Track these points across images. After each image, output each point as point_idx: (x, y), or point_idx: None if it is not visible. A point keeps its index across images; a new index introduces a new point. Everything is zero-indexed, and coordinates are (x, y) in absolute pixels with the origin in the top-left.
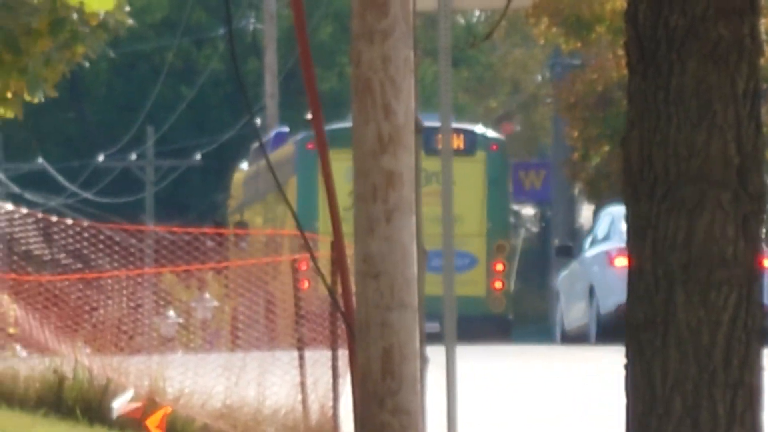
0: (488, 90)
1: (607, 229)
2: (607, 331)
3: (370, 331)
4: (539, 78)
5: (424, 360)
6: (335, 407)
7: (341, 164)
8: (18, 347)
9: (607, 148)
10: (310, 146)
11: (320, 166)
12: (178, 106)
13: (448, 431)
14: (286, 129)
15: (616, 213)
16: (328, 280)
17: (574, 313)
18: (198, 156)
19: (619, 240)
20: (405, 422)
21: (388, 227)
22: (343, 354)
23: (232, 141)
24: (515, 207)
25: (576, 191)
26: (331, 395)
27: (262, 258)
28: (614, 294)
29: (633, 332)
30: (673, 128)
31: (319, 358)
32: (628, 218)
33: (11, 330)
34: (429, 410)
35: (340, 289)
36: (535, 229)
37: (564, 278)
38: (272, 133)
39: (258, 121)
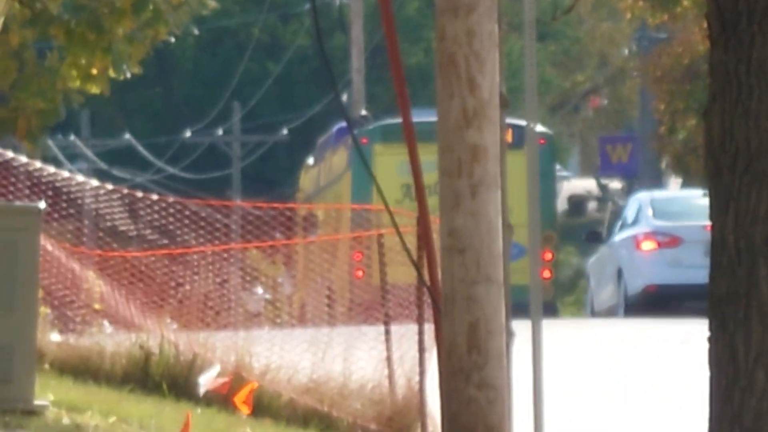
0: (575, 64)
1: (635, 214)
2: (633, 310)
3: (455, 306)
4: (626, 51)
5: (510, 334)
6: (421, 382)
7: (393, 158)
8: (104, 323)
9: (693, 121)
10: (364, 141)
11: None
12: (265, 81)
13: (534, 406)
14: (345, 124)
15: (643, 199)
16: (414, 255)
17: (603, 294)
18: (284, 131)
19: (646, 225)
20: (491, 397)
21: (474, 202)
22: (429, 328)
23: (318, 116)
24: (603, 180)
25: (663, 165)
26: (417, 370)
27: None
28: (641, 276)
29: (715, 305)
30: (754, 100)
31: (405, 333)
32: (710, 191)
33: (97, 306)
34: (515, 384)
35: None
36: (622, 203)
37: (594, 262)
38: (334, 129)
39: (345, 96)
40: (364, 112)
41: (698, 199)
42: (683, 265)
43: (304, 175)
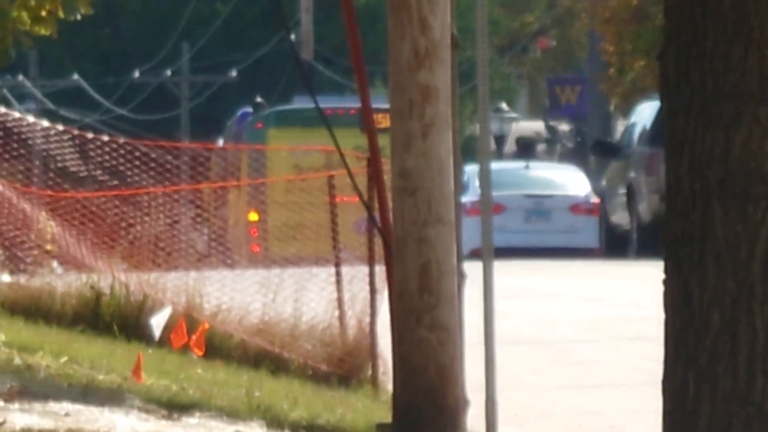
0: (524, 5)
1: (465, 184)
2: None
3: (407, 247)
4: None
5: (461, 276)
6: (372, 323)
7: (286, 141)
8: (55, 264)
9: (642, 62)
10: (259, 125)
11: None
12: (214, 22)
13: (485, 347)
14: (250, 110)
15: (471, 171)
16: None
17: None
18: (233, 72)
19: (473, 194)
20: (443, 338)
21: (425, 143)
22: (380, 270)
23: (266, 57)
24: (551, 122)
25: (612, 107)
26: (368, 311)
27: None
28: (470, 240)
29: (670, 247)
30: (709, 43)
31: (356, 274)
32: (665, 133)
33: (48, 247)
34: (466, 326)
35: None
36: (570, 145)
37: None
38: (238, 114)
39: (293, 36)
40: (259, 99)
41: (520, 170)
42: (506, 230)
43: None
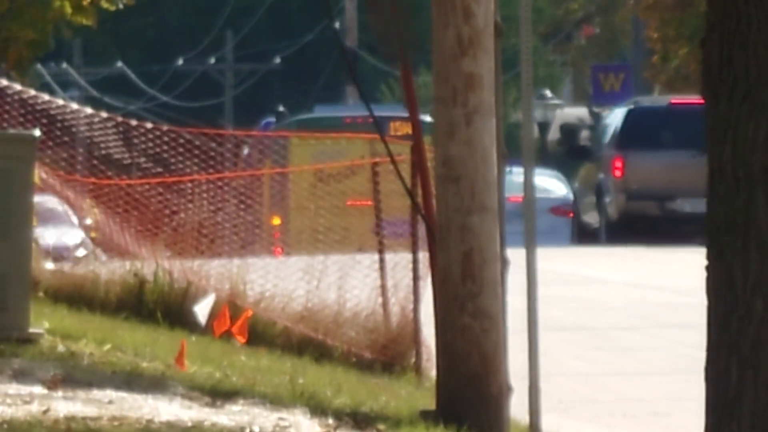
0: None
1: None
2: None
3: (450, 235)
4: None
5: (504, 262)
6: (416, 310)
7: (307, 149)
8: (99, 251)
9: (686, 49)
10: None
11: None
12: (258, 9)
13: (528, 334)
14: (273, 119)
15: None
16: (408, 183)
17: None
18: (277, 60)
19: None
20: (486, 325)
21: (468, 130)
22: (424, 257)
23: (311, 44)
24: (595, 109)
25: (655, 93)
26: (411, 298)
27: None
28: None
29: (713, 234)
30: (753, 30)
31: (399, 261)
32: (708, 120)
33: (92, 234)
34: (509, 313)
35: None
36: None
37: None
38: (261, 123)
39: (337, 24)
40: (281, 108)
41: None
42: None
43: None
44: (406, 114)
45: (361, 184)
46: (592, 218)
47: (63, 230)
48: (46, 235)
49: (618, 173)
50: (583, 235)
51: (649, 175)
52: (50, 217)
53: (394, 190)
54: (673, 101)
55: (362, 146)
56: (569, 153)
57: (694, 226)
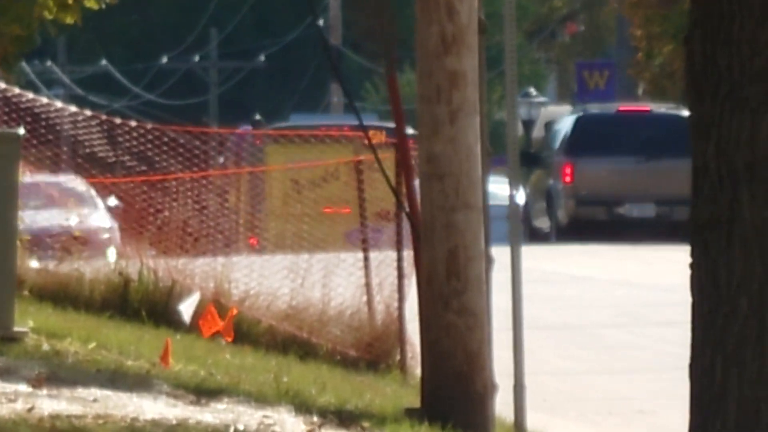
0: None
1: None
2: None
3: (435, 233)
4: None
5: (489, 260)
6: (400, 308)
7: (282, 156)
8: (83, 249)
9: (670, 46)
10: (257, 142)
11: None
12: (242, 7)
13: (513, 332)
14: (249, 126)
15: None
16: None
17: None
18: (261, 57)
19: None
20: (470, 323)
21: (453, 128)
22: (408, 255)
23: (295, 42)
24: (579, 107)
25: (640, 91)
26: (396, 296)
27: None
28: None
29: (697, 232)
30: (736, 27)
31: (384, 259)
32: (691, 117)
33: (77, 232)
34: (494, 311)
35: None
36: None
37: None
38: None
39: (321, 21)
40: (258, 117)
41: None
42: None
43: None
44: (379, 123)
45: (339, 189)
46: (542, 223)
47: (86, 213)
48: (69, 218)
49: (567, 179)
50: (534, 240)
51: (598, 181)
52: (72, 199)
53: (374, 196)
54: (620, 108)
55: (338, 152)
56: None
57: (642, 230)
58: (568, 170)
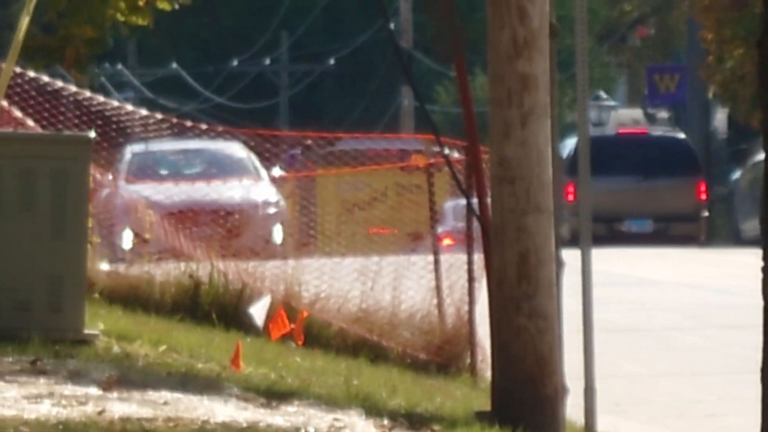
0: None
1: None
2: None
3: (505, 236)
4: None
5: (560, 263)
6: (471, 311)
7: (333, 179)
8: (154, 252)
9: (741, 50)
10: (308, 165)
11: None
12: (312, 10)
13: (584, 335)
14: (298, 151)
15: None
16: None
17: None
18: (331, 61)
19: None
20: (541, 326)
21: (524, 131)
22: (479, 258)
23: (366, 45)
24: (650, 110)
25: (710, 94)
26: (466, 299)
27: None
28: None
29: None
30: None
31: (454, 262)
32: (763, 121)
33: (147, 235)
34: (564, 314)
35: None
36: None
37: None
38: (288, 154)
39: (392, 24)
40: (309, 141)
41: None
42: None
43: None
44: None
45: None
46: None
47: (248, 184)
48: (230, 190)
49: (570, 197)
50: None
51: (599, 199)
52: (233, 168)
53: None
54: (620, 131)
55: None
56: None
57: (639, 245)
58: (571, 189)
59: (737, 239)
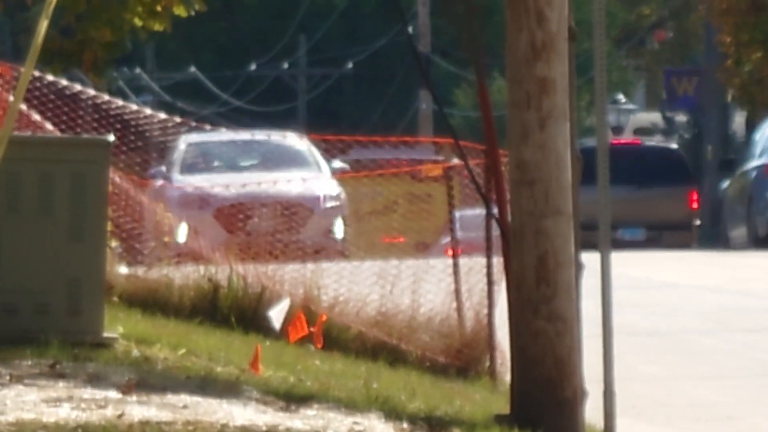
0: None
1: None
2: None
3: (524, 239)
4: None
5: (579, 266)
6: (490, 314)
7: (359, 189)
8: (173, 256)
9: (759, 53)
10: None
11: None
12: (330, 14)
13: (603, 338)
14: None
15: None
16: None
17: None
18: (350, 65)
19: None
20: (560, 328)
21: (542, 134)
22: (498, 261)
23: (384, 49)
24: (668, 114)
25: (729, 97)
26: (485, 302)
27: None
28: None
29: None
30: None
31: (473, 266)
32: None
33: (166, 239)
34: (584, 317)
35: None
36: (687, 136)
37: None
38: None
39: (410, 28)
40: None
41: None
42: None
43: None
44: (436, 157)
45: (396, 220)
46: None
47: (309, 176)
48: (289, 182)
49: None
50: None
51: (593, 208)
52: (292, 160)
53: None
54: (613, 142)
55: (395, 185)
56: None
57: (632, 252)
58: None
59: (726, 246)
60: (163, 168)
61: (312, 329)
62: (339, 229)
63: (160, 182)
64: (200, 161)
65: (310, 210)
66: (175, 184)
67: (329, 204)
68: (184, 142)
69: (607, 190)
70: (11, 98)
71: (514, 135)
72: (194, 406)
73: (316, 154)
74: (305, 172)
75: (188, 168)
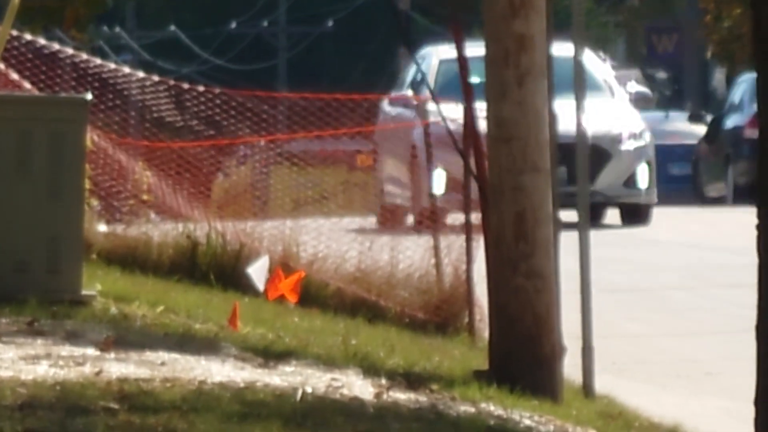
0: None
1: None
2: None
3: (502, 196)
4: None
5: (557, 223)
6: (469, 270)
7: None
8: (151, 213)
9: (739, 9)
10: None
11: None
12: None
13: (581, 295)
14: (249, 151)
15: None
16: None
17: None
18: (330, 23)
19: None
20: (539, 285)
21: (521, 91)
22: (476, 217)
23: (364, 7)
24: (649, 71)
25: (708, 54)
26: (464, 259)
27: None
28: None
29: (764, 193)
30: None
31: (452, 222)
32: (758, 81)
33: (145, 196)
34: (562, 274)
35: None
36: (668, 93)
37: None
38: (240, 152)
39: None
40: (262, 142)
41: None
42: None
43: None
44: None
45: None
46: None
47: (603, 107)
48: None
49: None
50: None
51: None
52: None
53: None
54: None
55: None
56: None
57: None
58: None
59: (703, 200)
60: (408, 91)
61: (284, 284)
62: (643, 178)
63: (418, 129)
64: (455, 84)
65: (606, 153)
66: (433, 118)
67: (631, 145)
68: (436, 57)
69: (585, 146)
70: None
71: (492, 92)
72: (172, 363)
73: (610, 77)
74: (597, 100)
75: (441, 92)
